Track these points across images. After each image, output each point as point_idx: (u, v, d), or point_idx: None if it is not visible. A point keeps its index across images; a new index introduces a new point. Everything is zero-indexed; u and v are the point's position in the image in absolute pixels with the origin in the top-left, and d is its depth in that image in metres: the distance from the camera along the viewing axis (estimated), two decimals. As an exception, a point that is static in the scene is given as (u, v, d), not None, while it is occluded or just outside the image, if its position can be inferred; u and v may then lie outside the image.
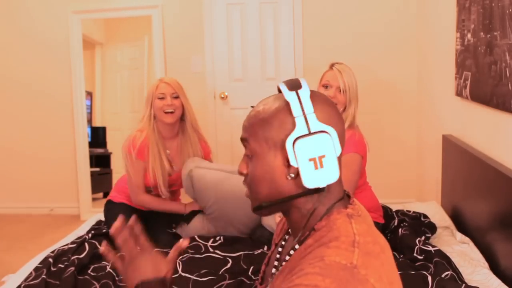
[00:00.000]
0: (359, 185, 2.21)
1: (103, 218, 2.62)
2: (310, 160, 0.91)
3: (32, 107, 4.21)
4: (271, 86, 3.90)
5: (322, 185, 0.92)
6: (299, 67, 3.90)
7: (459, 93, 2.53)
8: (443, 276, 1.76)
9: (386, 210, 2.41)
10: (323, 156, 0.91)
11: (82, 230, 2.54)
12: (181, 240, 1.12)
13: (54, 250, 2.17)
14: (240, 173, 1.03)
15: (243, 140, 1.01)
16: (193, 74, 4.02)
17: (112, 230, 1.07)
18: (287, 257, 0.98)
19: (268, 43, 3.92)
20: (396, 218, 2.36)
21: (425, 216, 2.36)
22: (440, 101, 3.06)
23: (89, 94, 4.35)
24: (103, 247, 1.09)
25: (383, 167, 3.81)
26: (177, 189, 2.64)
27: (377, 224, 2.21)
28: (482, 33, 2.14)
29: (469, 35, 2.33)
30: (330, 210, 0.95)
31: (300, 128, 0.92)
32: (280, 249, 1.09)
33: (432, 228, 2.27)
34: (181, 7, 3.99)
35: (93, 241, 2.22)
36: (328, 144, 0.91)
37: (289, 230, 1.10)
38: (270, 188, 0.97)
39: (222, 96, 3.97)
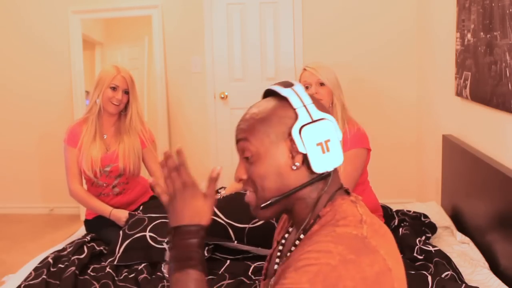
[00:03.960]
0: (361, 182, 2.21)
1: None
2: (318, 145, 0.96)
3: (32, 107, 4.21)
4: (271, 86, 3.90)
5: (329, 168, 0.97)
6: (299, 67, 3.89)
7: (459, 93, 2.53)
8: (443, 276, 1.76)
9: (386, 210, 2.41)
10: (328, 140, 0.97)
11: (81, 231, 2.54)
12: (213, 170, 1.01)
13: (54, 251, 2.16)
14: (239, 180, 1.03)
15: (241, 140, 1.01)
16: (193, 74, 4.02)
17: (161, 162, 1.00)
18: (293, 248, 0.99)
19: (268, 43, 3.91)
20: (396, 218, 2.36)
21: (425, 216, 2.36)
22: (440, 101, 3.06)
23: (89, 94, 4.35)
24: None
25: (383, 167, 3.81)
26: (120, 177, 2.44)
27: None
28: (482, 33, 2.14)
29: (469, 35, 2.33)
30: (333, 197, 0.99)
31: (303, 117, 0.97)
32: (280, 248, 1.10)
33: (432, 228, 2.27)
34: (181, 7, 3.99)
35: (92, 243, 2.22)
36: (331, 129, 0.97)
37: (290, 228, 1.11)
38: (276, 182, 0.98)
39: (222, 96, 3.97)
